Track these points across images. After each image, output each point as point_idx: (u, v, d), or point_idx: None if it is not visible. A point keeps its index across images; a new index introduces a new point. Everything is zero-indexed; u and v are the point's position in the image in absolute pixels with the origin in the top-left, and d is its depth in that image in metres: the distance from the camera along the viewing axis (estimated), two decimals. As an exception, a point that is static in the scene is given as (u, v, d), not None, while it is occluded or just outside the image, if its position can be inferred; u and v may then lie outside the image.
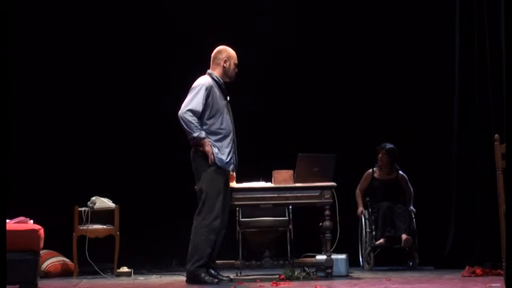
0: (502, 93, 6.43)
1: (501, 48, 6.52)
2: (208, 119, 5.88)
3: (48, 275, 7.04)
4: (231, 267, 6.54)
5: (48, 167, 7.83)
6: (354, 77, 8.25)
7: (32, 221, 5.59)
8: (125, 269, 7.04)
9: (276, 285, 5.56)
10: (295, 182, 6.21)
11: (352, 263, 7.04)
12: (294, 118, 8.10)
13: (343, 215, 6.52)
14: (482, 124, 6.85)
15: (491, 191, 5.36)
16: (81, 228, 7.01)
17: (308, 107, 8.16)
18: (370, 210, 7.45)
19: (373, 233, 7.30)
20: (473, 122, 7.04)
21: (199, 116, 5.81)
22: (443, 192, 7.38)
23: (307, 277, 6.10)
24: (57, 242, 7.11)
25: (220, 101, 5.93)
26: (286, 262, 6.32)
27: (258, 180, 6.37)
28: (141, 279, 6.68)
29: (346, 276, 6.44)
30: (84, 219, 7.01)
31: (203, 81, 5.91)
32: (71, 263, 7.17)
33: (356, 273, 6.71)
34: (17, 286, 5.22)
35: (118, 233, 7.06)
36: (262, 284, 5.70)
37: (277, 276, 6.09)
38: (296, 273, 6.14)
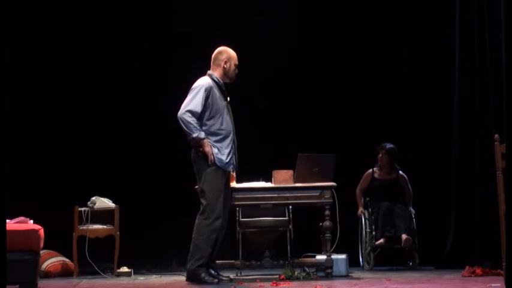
0: (502, 93, 6.43)
1: (501, 48, 6.52)
2: (208, 119, 5.88)
3: (48, 275, 7.04)
4: (231, 267, 6.54)
5: (48, 167, 7.83)
6: (354, 77, 8.24)
7: (32, 221, 5.59)
8: (125, 269, 7.04)
9: (276, 285, 5.56)
10: (295, 182, 6.21)
11: (352, 263, 7.04)
12: (294, 118, 8.10)
13: (343, 215, 6.52)
14: (482, 124, 6.85)
15: (491, 191, 5.35)
16: (81, 228, 7.01)
17: (308, 107, 8.16)
18: (370, 210, 7.45)
19: (373, 233, 7.29)
20: (473, 122, 7.04)
21: (199, 116, 5.82)
22: (443, 192, 7.37)
23: (307, 277, 6.10)
24: (57, 242, 7.11)
25: (220, 102, 5.93)
26: (286, 262, 6.32)
27: (258, 180, 6.37)
28: (141, 279, 6.68)
29: (346, 276, 6.44)
30: (84, 219, 7.01)
31: (203, 82, 5.91)
32: (71, 263, 7.17)
33: (356, 273, 6.71)
34: (17, 286, 5.22)
35: (118, 233, 7.06)
36: (262, 284, 5.70)
37: (277, 276, 6.09)
38: (296, 273, 6.14)
